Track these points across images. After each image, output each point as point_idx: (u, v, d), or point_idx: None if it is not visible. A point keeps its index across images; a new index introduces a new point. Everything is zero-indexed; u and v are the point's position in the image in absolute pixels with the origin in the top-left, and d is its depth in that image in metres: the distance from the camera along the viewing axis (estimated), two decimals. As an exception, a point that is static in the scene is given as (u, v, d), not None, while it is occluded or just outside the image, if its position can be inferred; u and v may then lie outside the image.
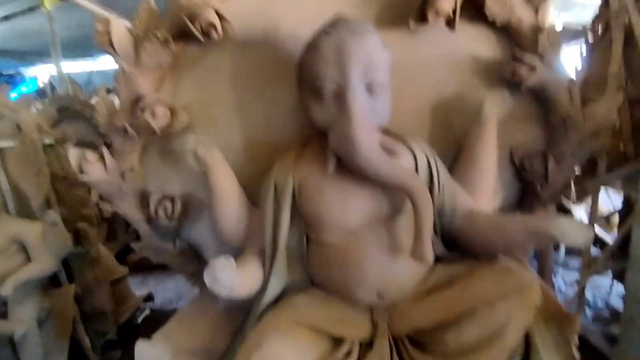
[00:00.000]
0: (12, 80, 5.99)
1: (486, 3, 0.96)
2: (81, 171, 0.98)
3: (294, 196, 0.94)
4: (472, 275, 0.77)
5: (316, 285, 0.96)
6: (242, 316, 1.04)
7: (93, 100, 3.21)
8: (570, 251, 2.69)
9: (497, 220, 0.90)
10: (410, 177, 0.81)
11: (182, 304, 2.60)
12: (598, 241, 1.93)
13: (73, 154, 0.98)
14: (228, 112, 1.10)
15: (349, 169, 0.83)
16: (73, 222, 1.85)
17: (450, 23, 0.98)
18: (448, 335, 0.75)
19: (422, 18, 0.97)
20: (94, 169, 0.98)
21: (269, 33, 1.07)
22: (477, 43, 1.03)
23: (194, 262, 1.21)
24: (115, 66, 1.00)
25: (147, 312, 2.54)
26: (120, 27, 0.98)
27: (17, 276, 1.54)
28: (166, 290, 2.93)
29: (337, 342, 0.85)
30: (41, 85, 5.68)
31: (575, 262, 2.64)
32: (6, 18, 3.43)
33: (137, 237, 1.21)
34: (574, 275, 2.58)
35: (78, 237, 1.87)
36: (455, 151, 1.06)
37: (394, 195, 0.84)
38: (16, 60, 5.54)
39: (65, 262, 1.84)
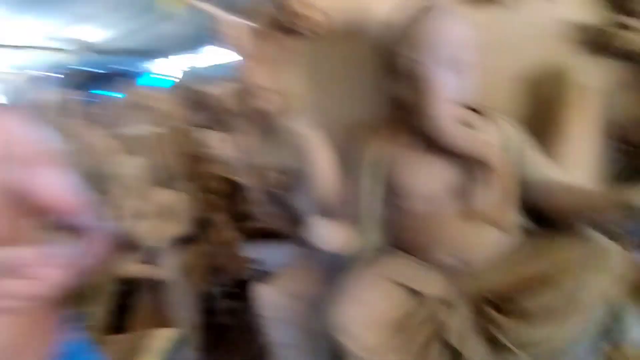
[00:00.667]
0: (134, 75, 7.14)
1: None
2: (215, 150, 1.25)
3: (387, 170, 1.05)
4: (552, 243, 0.80)
5: (405, 250, 1.07)
6: (338, 272, 1.22)
7: (213, 90, 3.74)
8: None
9: (580, 190, 0.89)
10: (487, 149, 0.86)
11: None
12: None
13: (211, 136, 1.25)
14: (325, 96, 1.26)
15: (432, 142, 0.91)
16: (202, 192, 2.25)
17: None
18: (525, 299, 0.80)
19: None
20: (226, 148, 1.24)
21: (360, 22, 1.18)
22: (576, 11, 1.00)
23: (300, 225, 1.41)
24: (231, 59, 1.22)
25: (257, 273, 2.94)
26: (240, 26, 1.20)
27: (165, 233, 1.97)
28: (274, 256, 3.31)
29: (420, 300, 0.96)
30: (171, 78, 6.69)
31: None
32: (143, 25, 4.11)
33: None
34: None
35: (207, 205, 2.28)
36: (552, 124, 1.05)
37: (474, 166, 0.90)
38: (151, 58, 6.61)
39: (197, 225, 2.26)
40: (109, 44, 4.39)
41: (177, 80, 5.99)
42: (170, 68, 6.81)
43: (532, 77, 1.07)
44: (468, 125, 0.89)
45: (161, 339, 1.70)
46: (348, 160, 1.18)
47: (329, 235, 0.97)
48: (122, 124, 2.23)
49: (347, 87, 1.24)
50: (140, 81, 6.76)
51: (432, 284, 0.95)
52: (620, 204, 0.73)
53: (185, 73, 5.84)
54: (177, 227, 2.03)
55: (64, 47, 4.32)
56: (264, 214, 1.41)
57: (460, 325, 0.87)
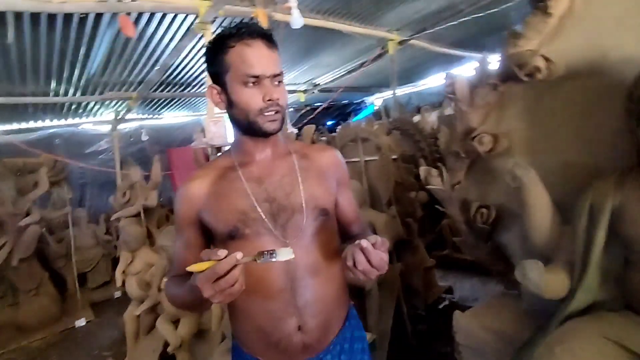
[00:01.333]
0: (359, 108, 8.18)
1: None
2: (426, 182, 1.43)
3: (612, 218, 0.99)
4: None
5: (632, 308, 0.96)
6: (543, 318, 1.18)
7: (415, 118, 3.99)
8: None
9: None
10: None
11: (476, 303, 2.82)
12: None
13: (423, 170, 1.44)
14: (544, 137, 1.25)
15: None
16: (403, 216, 2.48)
17: None
18: None
19: None
20: (435, 181, 1.40)
21: (596, 62, 1.14)
22: None
23: (501, 262, 1.43)
24: (427, 87, 1.36)
25: (446, 302, 2.95)
26: (461, 78, 1.35)
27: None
28: (463, 288, 3.24)
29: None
30: (376, 109, 7.41)
31: None
32: (362, 65, 4.76)
33: (440, 236, 1.54)
34: None
35: (405, 228, 2.49)
36: None
37: None
38: (362, 93, 7.48)
39: (395, 246, 2.49)
40: (335, 83, 5.32)
41: (379, 109, 6.63)
42: (383, 99, 7.58)
43: None
44: None
45: (359, 339, 1.98)
46: (566, 203, 1.14)
47: (541, 279, 0.98)
48: (344, 152, 2.71)
49: (567, 129, 1.20)
50: (364, 112, 7.76)
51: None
52: None
53: (386, 102, 6.39)
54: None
55: (301, 88, 5.50)
56: (466, 245, 1.48)
57: None
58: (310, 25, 2.89)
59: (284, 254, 0.69)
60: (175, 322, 2.28)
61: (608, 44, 1.12)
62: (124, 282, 2.67)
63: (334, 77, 5.26)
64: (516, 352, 1.13)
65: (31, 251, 3.50)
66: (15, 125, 4.46)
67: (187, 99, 5.09)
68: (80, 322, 3.72)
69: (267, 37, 0.83)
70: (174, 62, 3.36)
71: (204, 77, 4.01)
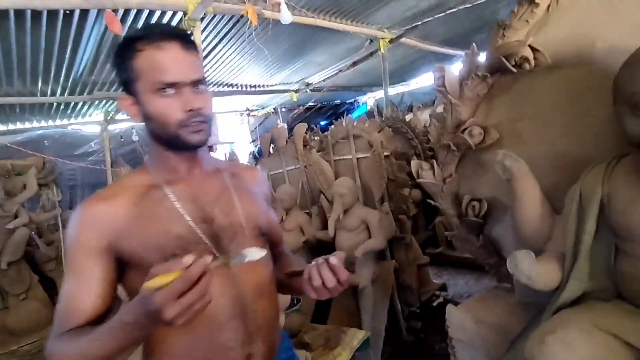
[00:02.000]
0: (351, 107, 8.18)
1: None
2: (418, 176, 1.42)
3: (602, 207, 0.98)
4: None
5: (623, 297, 0.96)
6: (535, 310, 1.17)
7: (407, 117, 4.00)
8: None
9: None
10: None
11: (472, 301, 2.82)
12: None
13: (414, 164, 1.43)
14: (534, 128, 1.25)
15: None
16: (396, 214, 2.47)
17: None
18: None
19: None
20: (427, 175, 1.39)
21: (583, 52, 1.14)
22: None
23: (493, 255, 1.42)
24: (419, 86, 1.35)
25: (440, 299, 2.95)
26: (450, 71, 1.34)
27: (364, 246, 2.26)
28: (456, 285, 3.25)
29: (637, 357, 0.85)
30: (369, 108, 7.42)
31: None
32: (354, 64, 4.75)
33: (434, 234, 1.53)
34: None
35: (399, 225, 2.48)
36: None
37: None
38: (354, 92, 7.48)
39: (389, 243, 2.48)
40: (326, 82, 5.31)
41: (371, 109, 6.65)
42: (375, 99, 7.59)
43: None
44: None
45: (353, 337, 1.96)
46: (556, 194, 1.14)
47: (533, 270, 0.98)
48: (336, 150, 2.69)
49: (555, 119, 1.20)
50: (357, 112, 7.77)
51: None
52: None
53: (378, 102, 6.41)
54: (373, 242, 2.29)
55: (294, 88, 5.48)
56: (458, 239, 1.47)
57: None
58: (300, 22, 2.87)
59: (254, 254, 0.61)
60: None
61: (595, 34, 1.12)
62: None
63: (326, 77, 5.25)
64: (510, 344, 1.12)
65: (20, 254, 3.45)
66: (2, 127, 4.39)
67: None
68: (71, 326, 3.66)
69: (182, 37, 0.73)
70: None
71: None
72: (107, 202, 0.73)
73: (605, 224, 0.98)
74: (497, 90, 1.31)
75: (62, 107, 4.13)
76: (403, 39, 3.97)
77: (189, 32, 0.63)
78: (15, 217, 3.37)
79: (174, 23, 2.61)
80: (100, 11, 2.17)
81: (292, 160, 3.17)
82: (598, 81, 1.10)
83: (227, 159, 3.88)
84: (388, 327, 2.35)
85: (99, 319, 0.69)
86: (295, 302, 2.07)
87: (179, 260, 0.53)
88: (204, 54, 2.89)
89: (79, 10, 2.17)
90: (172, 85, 0.70)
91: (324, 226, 2.61)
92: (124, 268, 0.73)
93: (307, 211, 3.00)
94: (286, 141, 3.21)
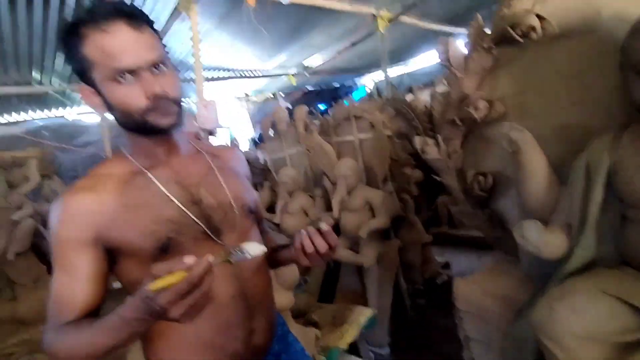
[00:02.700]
0: (349, 90, 8.11)
1: None
2: (423, 152, 1.42)
3: (609, 176, 0.99)
4: None
5: (628, 264, 0.97)
6: (542, 281, 1.19)
7: (407, 98, 3.97)
8: None
9: None
10: None
11: (476, 277, 2.86)
12: None
13: (418, 140, 1.43)
14: (539, 100, 1.24)
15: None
16: (399, 193, 2.48)
17: None
18: None
19: None
20: (432, 151, 1.39)
21: (589, 20, 1.12)
22: None
23: (498, 228, 1.43)
24: (419, 67, 1.34)
25: (444, 277, 2.98)
26: (454, 44, 1.33)
27: (368, 225, 2.28)
28: (459, 263, 3.28)
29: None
30: (368, 90, 7.36)
31: None
32: (353, 44, 4.69)
33: (436, 213, 1.53)
34: None
35: (402, 205, 2.49)
36: None
37: None
38: (353, 74, 7.41)
39: (393, 223, 2.50)
40: (325, 65, 5.25)
41: (371, 91, 6.60)
42: (374, 81, 7.51)
43: None
44: None
45: (359, 314, 2.00)
46: (563, 165, 1.14)
47: (540, 239, 0.99)
48: (338, 132, 2.68)
49: (561, 91, 1.19)
50: (356, 94, 7.69)
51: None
52: None
53: (378, 84, 6.37)
54: (377, 221, 2.30)
55: (292, 72, 5.43)
56: (463, 214, 1.48)
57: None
58: (298, 2, 2.83)
59: (255, 249, 0.61)
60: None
61: (600, 2, 1.11)
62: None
63: (324, 60, 5.19)
64: (517, 312, 1.14)
65: (27, 245, 3.47)
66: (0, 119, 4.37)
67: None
68: (80, 314, 3.71)
69: (128, 15, 0.64)
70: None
71: (191, 61, 3.92)
72: (90, 192, 0.70)
73: (612, 193, 0.99)
74: (502, 63, 1.29)
75: (59, 96, 4.11)
76: (402, 18, 3.92)
77: (139, 8, 0.57)
78: (19, 209, 3.39)
79: (169, 6, 2.56)
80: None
81: (294, 143, 3.16)
82: (604, 50, 1.09)
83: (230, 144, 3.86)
84: (393, 305, 2.39)
85: (93, 312, 0.70)
86: (302, 282, 2.10)
87: (181, 260, 0.52)
88: (200, 38, 2.84)
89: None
90: (128, 71, 0.64)
91: (328, 208, 2.62)
92: (116, 258, 0.71)
93: (310, 194, 3.01)
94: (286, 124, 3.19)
